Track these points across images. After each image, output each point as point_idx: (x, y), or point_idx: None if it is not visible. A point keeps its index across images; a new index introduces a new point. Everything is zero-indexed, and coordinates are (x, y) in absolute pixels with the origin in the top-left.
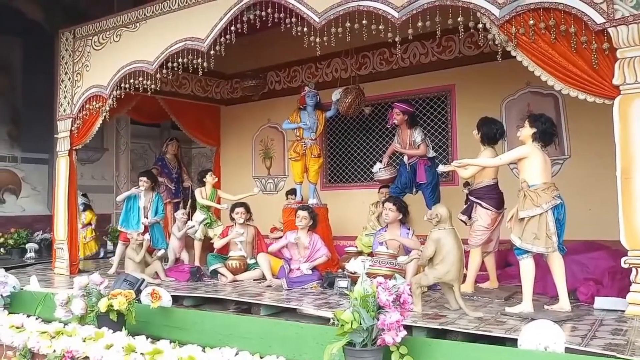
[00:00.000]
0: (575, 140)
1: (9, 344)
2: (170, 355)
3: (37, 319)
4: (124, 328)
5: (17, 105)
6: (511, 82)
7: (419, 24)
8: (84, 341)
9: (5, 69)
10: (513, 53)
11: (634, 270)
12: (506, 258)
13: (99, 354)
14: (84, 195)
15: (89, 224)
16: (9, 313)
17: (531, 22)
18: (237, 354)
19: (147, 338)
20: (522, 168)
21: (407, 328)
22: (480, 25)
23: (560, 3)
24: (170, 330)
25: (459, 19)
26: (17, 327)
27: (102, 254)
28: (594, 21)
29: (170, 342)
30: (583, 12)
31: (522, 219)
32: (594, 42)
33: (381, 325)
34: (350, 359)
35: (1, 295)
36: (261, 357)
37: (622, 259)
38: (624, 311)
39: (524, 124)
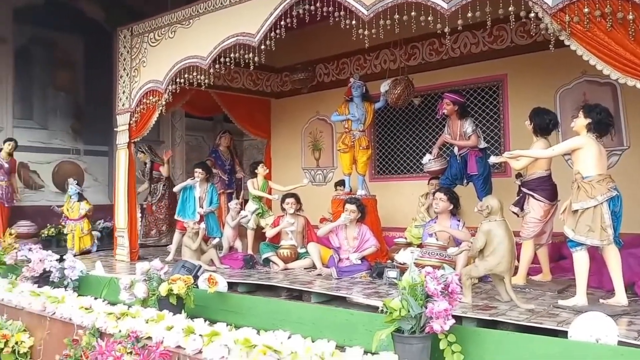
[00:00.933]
0: (635, 130)
1: (79, 324)
2: (226, 337)
3: (103, 301)
4: (183, 311)
5: (79, 100)
6: (566, 71)
7: (469, 14)
8: (147, 322)
9: (69, 67)
10: (567, 42)
11: None
12: (560, 251)
13: (161, 334)
14: (78, 183)
15: (86, 215)
16: (78, 295)
17: (586, 10)
18: (289, 337)
19: (204, 321)
20: (576, 159)
21: (457, 319)
22: (532, 15)
23: None
24: (226, 314)
25: (510, 8)
26: (86, 308)
27: (94, 249)
28: None
29: (227, 325)
30: None
31: (576, 210)
32: None
33: (429, 313)
34: (399, 345)
35: (70, 278)
36: (312, 341)
37: None
38: None
39: (578, 114)
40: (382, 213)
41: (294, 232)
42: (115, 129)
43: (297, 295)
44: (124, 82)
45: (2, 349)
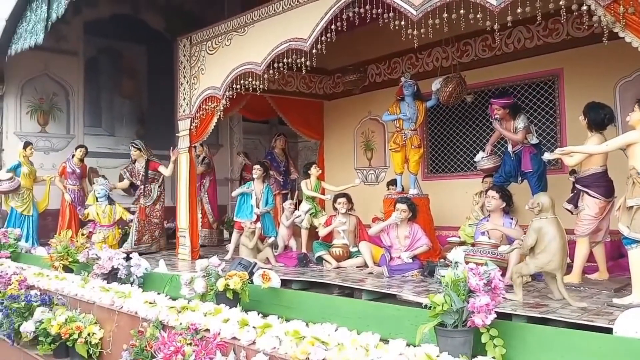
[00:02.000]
0: None
1: (144, 317)
2: (278, 329)
3: (165, 296)
4: (238, 305)
5: (143, 107)
6: (626, 62)
7: (519, 10)
8: (205, 315)
9: (133, 75)
10: (621, 34)
11: None
12: (619, 249)
13: (218, 326)
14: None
15: (122, 220)
16: (143, 291)
17: None
18: (336, 329)
19: (258, 314)
20: (632, 154)
21: (507, 316)
22: (584, 7)
23: None
24: (279, 308)
25: (560, 2)
26: (150, 303)
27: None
28: None
29: (278, 318)
30: None
31: (631, 207)
32: None
33: (471, 307)
34: (441, 338)
35: (136, 275)
36: (358, 334)
37: None
38: None
39: (634, 108)
40: (436, 212)
41: (345, 231)
42: (176, 134)
43: (349, 292)
44: (184, 89)
45: (76, 339)
